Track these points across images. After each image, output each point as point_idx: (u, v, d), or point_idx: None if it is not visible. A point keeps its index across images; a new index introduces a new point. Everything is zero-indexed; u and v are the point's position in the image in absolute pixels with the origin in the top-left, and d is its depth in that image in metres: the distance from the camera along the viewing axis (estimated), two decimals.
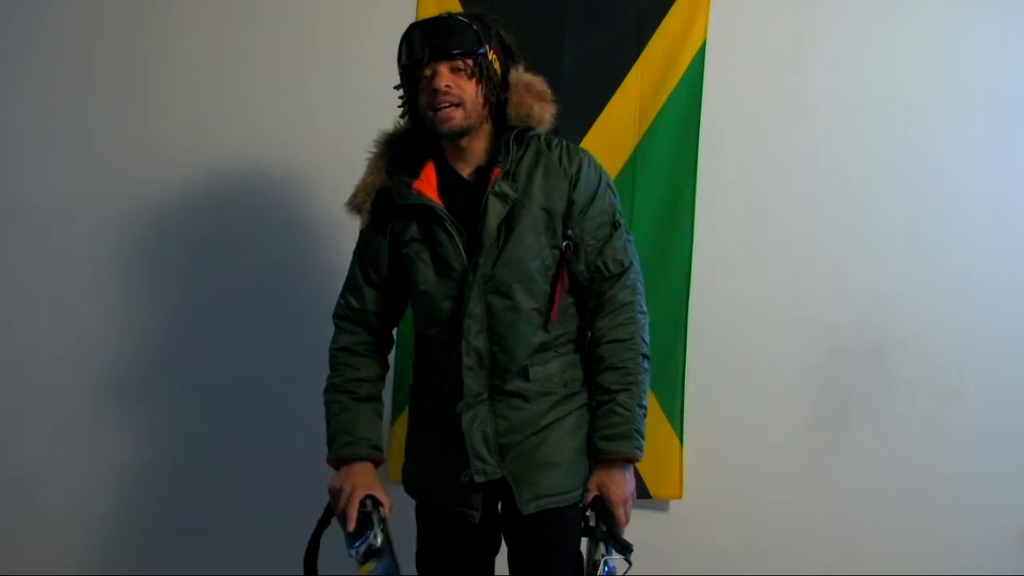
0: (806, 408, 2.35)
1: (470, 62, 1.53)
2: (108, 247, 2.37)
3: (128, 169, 2.36)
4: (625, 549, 1.53)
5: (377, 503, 1.57)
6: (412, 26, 1.58)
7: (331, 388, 1.66)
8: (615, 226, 1.63)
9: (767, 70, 2.31)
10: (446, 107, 1.52)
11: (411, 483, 1.71)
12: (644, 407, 1.59)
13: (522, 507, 1.55)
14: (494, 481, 1.57)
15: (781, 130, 2.31)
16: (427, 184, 1.59)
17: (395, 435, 2.26)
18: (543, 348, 1.60)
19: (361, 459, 1.60)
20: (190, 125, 2.35)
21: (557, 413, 1.60)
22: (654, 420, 2.28)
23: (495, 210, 1.54)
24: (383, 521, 1.56)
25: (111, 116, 2.36)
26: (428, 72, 1.54)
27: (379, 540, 1.52)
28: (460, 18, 1.56)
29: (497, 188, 1.54)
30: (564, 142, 1.64)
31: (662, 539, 2.36)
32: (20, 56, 2.36)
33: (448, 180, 1.61)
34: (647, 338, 1.63)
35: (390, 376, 1.78)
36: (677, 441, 2.30)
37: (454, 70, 1.53)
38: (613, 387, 1.58)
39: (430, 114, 1.55)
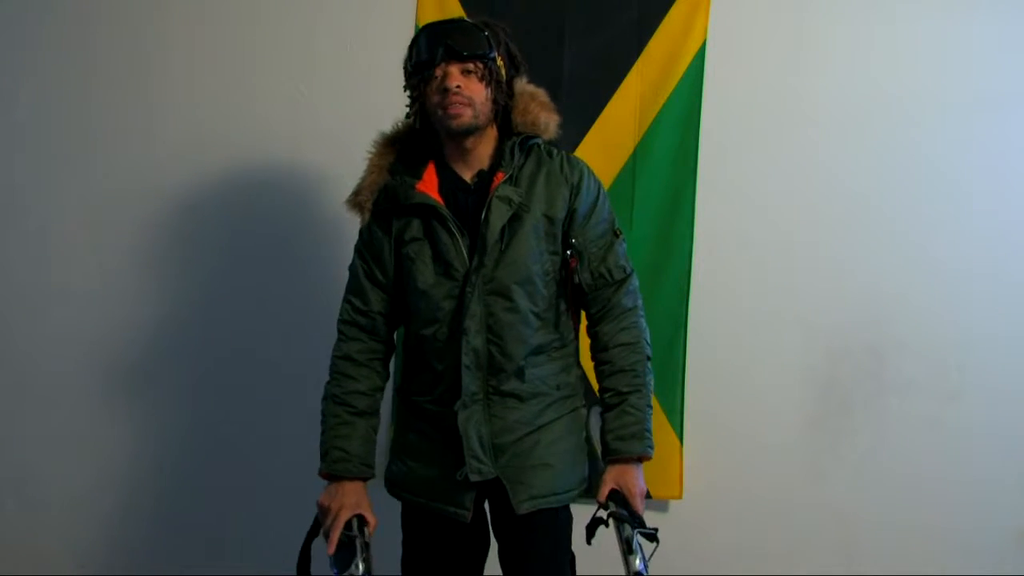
0: (806, 408, 2.35)
1: (481, 65, 1.56)
2: (108, 247, 2.37)
3: (128, 169, 2.36)
4: (651, 529, 1.56)
5: (363, 523, 1.58)
6: (425, 27, 1.61)
7: (329, 398, 1.66)
8: (616, 234, 1.68)
9: (767, 70, 2.31)
10: (456, 105, 1.55)
11: (397, 484, 1.71)
12: (651, 407, 1.65)
13: (517, 507, 1.57)
14: (486, 481, 1.58)
15: (781, 130, 2.31)
16: (429, 185, 1.61)
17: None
18: (539, 350, 1.63)
19: (352, 477, 1.61)
20: (190, 125, 2.35)
21: (551, 415, 1.64)
22: (654, 420, 2.28)
23: (499, 213, 1.56)
24: (366, 548, 1.55)
25: (111, 116, 2.36)
26: (439, 72, 1.56)
27: (360, 570, 1.51)
28: (472, 23, 1.60)
29: (501, 192, 1.57)
30: (564, 152, 1.68)
31: (662, 539, 2.35)
32: (20, 56, 2.36)
33: (449, 182, 1.63)
34: (649, 340, 1.68)
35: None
36: (677, 441, 2.30)
37: (465, 72, 1.56)
38: (624, 389, 1.62)
39: (440, 112, 1.57)
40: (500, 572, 1.69)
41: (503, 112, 1.63)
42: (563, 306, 1.67)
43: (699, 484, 2.32)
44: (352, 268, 1.71)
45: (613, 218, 1.69)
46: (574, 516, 1.72)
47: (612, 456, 1.61)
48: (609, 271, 1.65)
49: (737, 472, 2.34)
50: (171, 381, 2.39)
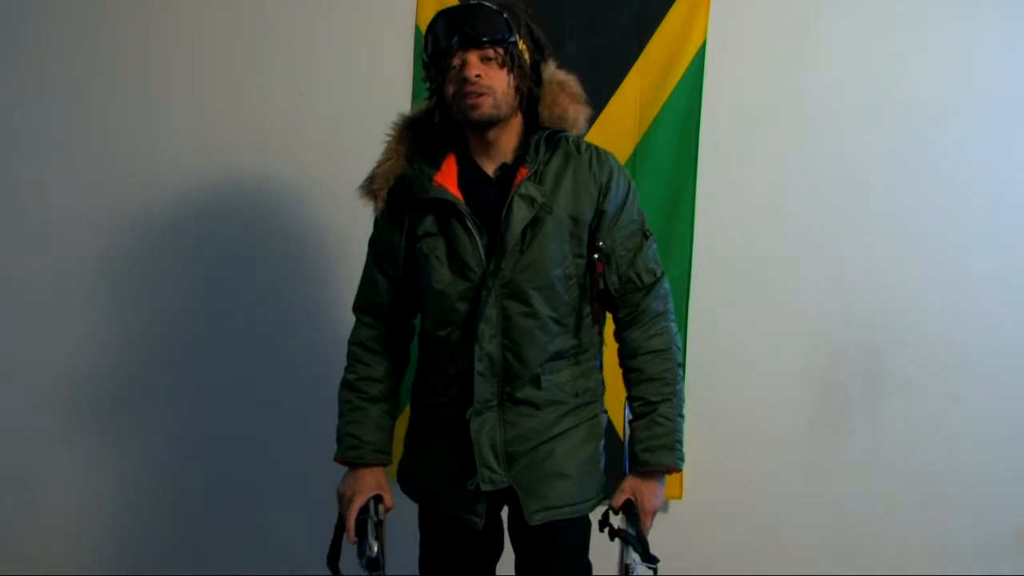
0: (806, 408, 2.35)
1: (500, 51, 1.46)
2: (108, 247, 2.37)
3: (128, 169, 2.36)
4: (652, 560, 1.52)
5: (379, 502, 1.58)
6: (439, 14, 1.50)
7: (344, 384, 1.64)
8: (645, 235, 1.59)
9: (767, 70, 2.31)
10: (476, 95, 1.46)
11: (409, 482, 1.68)
12: (683, 416, 1.58)
13: (529, 518, 1.52)
14: (501, 490, 1.53)
15: (781, 130, 2.31)
16: (448, 178, 1.52)
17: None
18: (557, 356, 1.56)
19: (365, 464, 1.59)
20: (190, 125, 2.35)
21: (567, 423, 1.57)
22: None
23: (520, 212, 1.47)
24: (378, 526, 1.56)
25: (111, 116, 2.36)
26: (457, 61, 1.47)
27: (375, 550, 1.52)
28: (489, 5, 1.49)
29: (523, 190, 1.47)
30: (593, 146, 1.58)
31: (662, 539, 2.35)
32: (20, 56, 2.36)
33: (470, 175, 1.54)
34: (680, 346, 1.61)
35: None
36: None
37: (484, 59, 1.46)
38: (653, 398, 1.55)
39: (459, 103, 1.48)
40: (512, 574, 1.67)
41: (529, 99, 1.53)
42: (586, 309, 1.59)
43: (699, 484, 2.32)
44: (367, 256, 1.65)
45: (643, 218, 1.60)
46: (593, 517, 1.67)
47: (641, 467, 1.55)
48: (639, 275, 1.57)
49: (737, 472, 2.34)
50: (171, 381, 2.39)
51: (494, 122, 1.49)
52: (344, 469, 1.63)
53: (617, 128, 2.28)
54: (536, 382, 1.53)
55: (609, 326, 1.67)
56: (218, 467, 2.38)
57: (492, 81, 1.46)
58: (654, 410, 1.55)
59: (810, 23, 2.31)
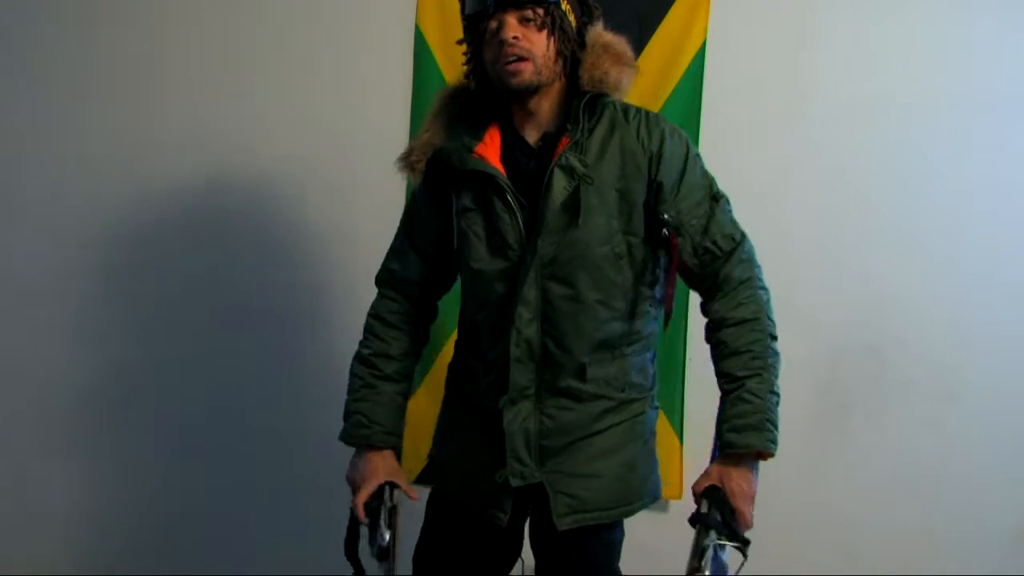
0: (806, 408, 2.35)
1: (540, 11, 1.37)
2: (108, 247, 2.37)
3: (128, 169, 2.36)
4: (742, 541, 1.37)
5: (394, 488, 1.50)
6: None
7: (358, 358, 1.57)
8: (715, 198, 1.46)
9: (767, 70, 2.30)
10: (514, 60, 1.37)
11: (433, 467, 1.59)
12: (777, 394, 1.43)
13: (557, 522, 1.41)
14: (529, 485, 1.43)
15: (781, 130, 2.31)
16: (491, 149, 1.43)
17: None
18: (606, 346, 1.44)
19: (372, 446, 1.51)
20: (190, 125, 2.35)
21: (610, 420, 1.46)
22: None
23: (560, 185, 1.37)
24: (391, 513, 1.48)
25: (111, 116, 2.36)
26: (494, 24, 1.38)
27: (387, 539, 1.45)
28: None
29: (563, 160, 1.37)
30: (643, 111, 1.47)
31: (662, 539, 2.35)
32: (20, 56, 2.36)
33: (513, 146, 1.44)
34: (773, 316, 1.47)
35: None
36: (677, 441, 2.30)
37: (523, 20, 1.37)
38: (740, 373, 1.42)
39: (497, 68, 1.39)
40: None
41: (574, 64, 1.43)
42: (646, 293, 1.47)
43: None
44: (399, 226, 1.58)
45: (710, 181, 1.47)
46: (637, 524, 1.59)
47: (726, 449, 1.41)
48: (715, 243, 1.43)
49: None
50: (171, 382, 2.39)
51: (533, 90, 1.40)
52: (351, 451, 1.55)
53: None
54: (581, 373, 1.43)
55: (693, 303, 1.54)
56: (217, 468, 2.38)
57: (531, 44, 1.37)
58: (741, 386, 1.41)
59: (810, 23, 2.31)
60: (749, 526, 1.39)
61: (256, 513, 2.39)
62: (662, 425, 2.28)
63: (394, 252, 1.58)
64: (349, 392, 1.56)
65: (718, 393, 2.29)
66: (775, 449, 1.40)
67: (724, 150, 2.28)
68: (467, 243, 1.45)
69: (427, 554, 1.58)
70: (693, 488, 1.45)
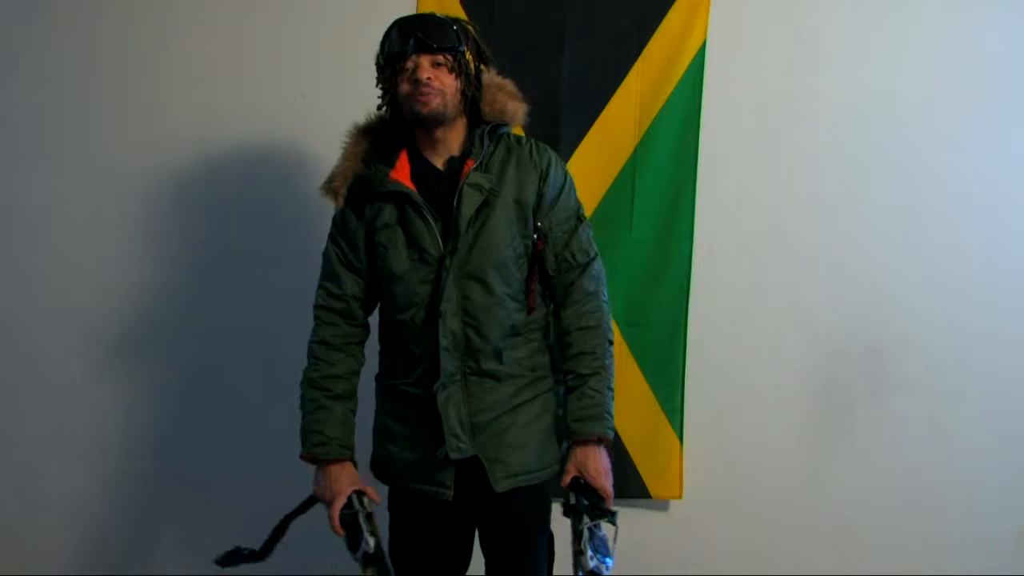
0: (806, 408, 2.35)
1: (450, 57, 1.61)
2: (108, 247, 2.37)
3: (128, 169, 2.36)
4: (610, 514, 1.59)
5: (362, 496, 1.64)
6: (397, 21, 1.67)
7: (307, 382, 1.71)
8: (580, 219, 1.72)
9: (767, 70, 2.31)
10: (427, 94, 1.60)
11: (381, 467, 1.75)
12: (612, 390, 1.68)
13: (495, 484, 1.61)
14: (466, 462, 1.62)
15: (781, 130, 2.31)
16: (402, 172, 1.66)
17: None
18: (515, 332, 1.66)
19: (332, 459, 1.66)
20: (190, 125, 2.35)
21: (525, 395, 1.67)
22: (654, 420, 2.29)
23: (471, 199, 1.61)
24: (370, 518, 1.62)
25: (111, 116, 2.36)
26: (411, 64, 1.61)
27: (372, 545, 1.57)
28: (442, 17, 1.66)
29: (472, 179, 1.62)
30: (532, 139, 1.73)
31: (662, 539, 2.36)
32: (20, 56, 2.36)
33: (422, 170, 1.67)
34: (610, 325, 1.71)
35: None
36: (677, 441, 2.30)
37: (435, 64, 1.61)
38: (584, 371, 1.65)
39: (411, 101, 1.61)
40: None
41: (472, 104, 1.68)
42: (538, 288, 1.71)
43: (699, 484, 2.32)
44: (326, 254, 1.74)
45: (579, 206, 1.74)
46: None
47: (573, 437, 1.65)
48: (573, 255, 1.69)
49: (737, 472, 2.34)
50: (172, 382, 2.39)
51: (440, 120, 1.63)
52: (311, 468, 1.70)
53: (617, 128, 2.28)
54: (498, 356, 1.64)
55: None
56: (220, 466, 2.38)
57: (442, 83, 1.61)
58: (584, 383, 1.65)
59: (810, 23, 2.31)
60: (611, 496, 1.63)
61: (260, 514, 2.38)
62: (662, 425, 2.29)
63: (327, 277, 1.74)
64: (306, 414, 1.70)
65: (718, 394, 2.34)
66: (612, 435, 1.65)
67: (724, 150, 2.30)
68: (388, 254, 1.65)
69: (400, 547, 1.74)
70: (560, 484, 1.66)
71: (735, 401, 2.34)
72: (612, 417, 1.66)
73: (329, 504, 1.64)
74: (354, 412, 1.72)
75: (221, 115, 2.35)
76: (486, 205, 1.62)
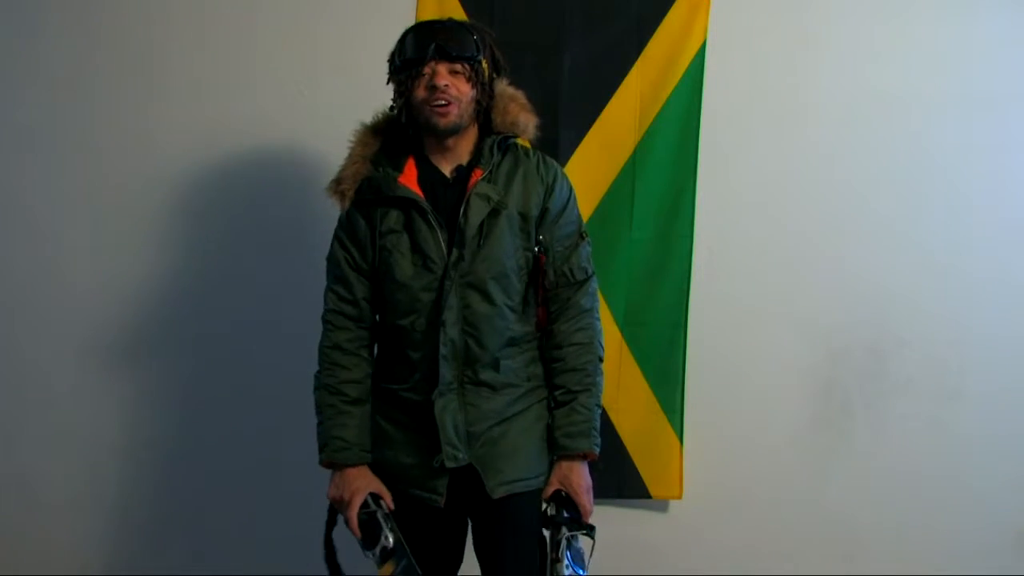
0: (806, 408, 2.35)
1: (468, 66, 1.62)
2: (107, 247, 2.37)
3: (128, 169, 2.36)
4: (588, 527, 1.64)
5: (378, 499, 1.65)
6: (415, 26, 1.67)
7: (324, 388, 1.70)
8: (581, 236, 1.74)
9: (767, 70, 2.31)
10: (443, 104, 1.60)
11: (372, 469, 1.73)
12: (600, 406, 1.71)
13: (491, 491, 1.62)
14: (460, 469, 1.62)
15: (781, 130, 2.31)
16: (409, 178, 1.66)
17: None
18: (512, 343, 1.68)
19: (352, 464, 1.66)
20: (190, 125, 2.35)
21: (521, 405, 1.68)
22: (654, 420, 2.29)
23: (477, 209, 1.61)
24: (389, 518, 1.63)
25: (111, 116, 2.36)
26: (428, 70, 1.61)
27: (391, 541, 1.60)
28: (462, 24, 1.67)
29: (479, 189, 1.62)
30: (540, 152, 1.75)
31: (662, 539, 2.36)
32: (20, 55, 2.36)
33: (429, 176, 1.67)
34: (602, 342, 1.73)
35: None
36: (677, 441, 2.30)
37: (452, 72, 1.61)
38: (575, 387, 1.67)
39: (427, 109, 1.61)
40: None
41: (483, 112, 1.69)
42: (532, 299, 1.72)
43: (699, 484, 2.32)
44: (333, 257, 1.73)
45: (581, 222, 1.76)
46: None
47: (559, 452, 1.67)
48: (571, 271, 1.70)
49: (737, 472, 2.34)
50: (172, 382, 2.39)
51: (456, 130, 1.64)
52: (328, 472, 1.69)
53: (617, 128, 2.28)
54: (496, 366, 1.65)
55: None
56: (221, 466, 2.38)
57: (458, 91, 1.61)
58: (574, 399, 1.67)
59: (810, 23, 2.31)
60: (590, 513, 1.66)
61: (261, 514, 2.39)
62: (662, 425, 2.29)
63: (336, 281, 1.73)
64: (323, 420, 1.69)
65: (718, 394, 2.34)
66: (598, 452, 1.68)
67: (724, 150, 2.30)
68: (393, 259, 1.65)
69: None
70: (542, 496, 1.69)
71: (735, 401, 2.34)
72: (599, 434, 1.68)
73: (347, 505, 1.64)
74: (370, 416, 1.71)
75: (221, 115, 2.35)
76: (492, 216, 1.63)
